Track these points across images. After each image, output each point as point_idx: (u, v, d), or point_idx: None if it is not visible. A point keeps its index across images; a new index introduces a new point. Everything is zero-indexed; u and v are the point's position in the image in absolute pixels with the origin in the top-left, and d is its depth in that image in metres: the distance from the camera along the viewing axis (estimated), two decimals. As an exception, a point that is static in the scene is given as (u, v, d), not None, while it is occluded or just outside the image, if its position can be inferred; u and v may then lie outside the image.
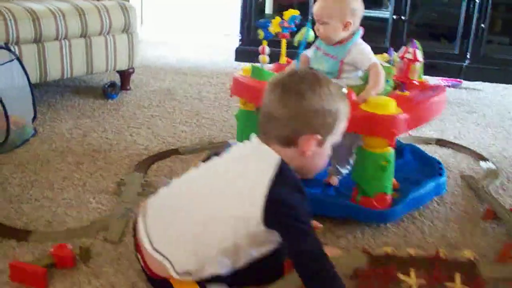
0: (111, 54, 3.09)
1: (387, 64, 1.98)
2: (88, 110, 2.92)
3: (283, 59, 2.22)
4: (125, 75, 3.30)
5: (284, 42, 2.21)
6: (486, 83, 3.94)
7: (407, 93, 1.88)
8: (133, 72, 3.30)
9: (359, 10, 1.86)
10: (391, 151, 1.75)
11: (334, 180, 1.97)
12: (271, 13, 4.60)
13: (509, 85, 3.90)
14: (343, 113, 1.39)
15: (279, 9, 4.20)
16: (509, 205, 2.02)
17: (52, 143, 2.44)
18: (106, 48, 3.06)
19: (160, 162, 2.27)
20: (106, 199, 1.93)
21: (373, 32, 3.83)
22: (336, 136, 1.40)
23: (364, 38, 1.90)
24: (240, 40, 4.38)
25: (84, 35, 2.93)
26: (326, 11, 1.84)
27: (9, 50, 2.48)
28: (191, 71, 3.90)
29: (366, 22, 1.93)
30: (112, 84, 3.14)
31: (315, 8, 1.86)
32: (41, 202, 1.92)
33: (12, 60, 2.46)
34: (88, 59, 2.99)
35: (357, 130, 1.71)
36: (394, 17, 4.09)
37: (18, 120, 2.41)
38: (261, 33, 2.16)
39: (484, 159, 2.46)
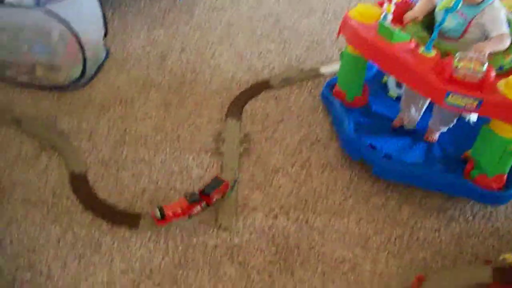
0: None
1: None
2: (158, 15, 2.66)
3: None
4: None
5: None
6: None
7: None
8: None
9: None
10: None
11: (434, 137, 1.87)
12: None
13: None
14: None
15: None
16: None
17: (130, 70, 2.28)
18: None
19: (252, 102, 2.10)
20: (207, 162, 1.81)
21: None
22: None
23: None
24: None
25: None
26: None
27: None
28: None
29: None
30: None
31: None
32: (139, 167, 1.85)
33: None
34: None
35: (492, 115, 1.58)
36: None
37: (90, 42, 2.21)
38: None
39: None
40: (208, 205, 1.67)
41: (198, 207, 1.65)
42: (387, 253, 1.56)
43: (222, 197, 1.68)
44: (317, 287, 1.48)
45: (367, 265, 1.53)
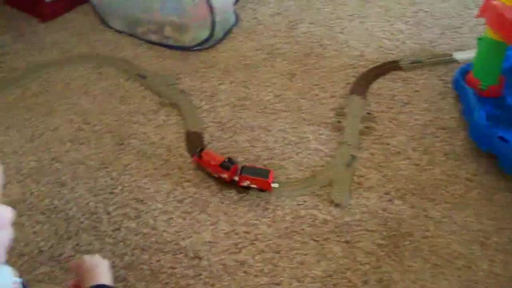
0: None
1: None
2: (290, -14, 2.55)
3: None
4: None
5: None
6: None
7: None
8: None
9: None
10: None
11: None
12: None
13: None
14: None
15: None
16: None
17: (257, 37, 2.26)
18: None
19: (379, 81, 1.99)
20: (325, 136, 1.76)
21: None
22: None
23: None
24: None
25: None
26: None
27: None
28: None
29: None
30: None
31: None
32: (256, 133, 1.82)
33: None
34: None
35: None
36: None
37: (221, 7, 2.22)
38: None
39: None
40: (232, 181, 1.64)
41: (224, 175, 1.63)
42: (507, 255, 1.43)
43: (262, 190, 1.62)
44: (426, 279, 1.39)
45: (484, 265, 1.42)
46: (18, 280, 0.85)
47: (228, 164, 1.62)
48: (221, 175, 1.65)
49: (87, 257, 1.12)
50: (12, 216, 0.79)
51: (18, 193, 1.63)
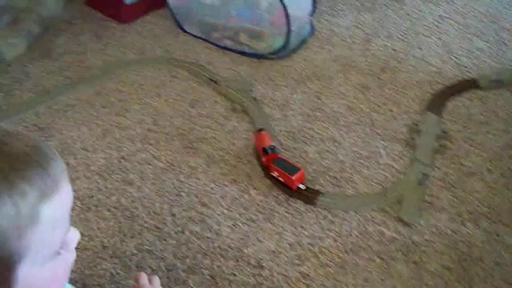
0: None
1: None
2: (367, 0, 2.59)
3: None
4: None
5: None
6: None
7: None
8: None
9: None
10: None
11: None
12: None
13: None
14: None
15: None
16: None
17: (332, 49, 2.23)
18: None
19: (456, 99, 1.93)
20: (397, 151, 1.70)
21: None
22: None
23: None
24: None
25: None
26: None
27: None
28: None
29: None
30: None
31: None
32: (326, 145, 1.79)
33: None
34: None
35: None
36: None
37: (297, 17, 2.20)
38: None
39: None
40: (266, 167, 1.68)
41: (263, 158, 1.69)
42: None
43: (291, 189, 1.63)
44: (497, 308, 1.30)
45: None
46: None
47: (269, 150, 1.66)
48: (261, 158, 1.68)
49: (157, 280, 1.11)
50: (79, 238, 0.78)
51: (85, 189, 1.65)
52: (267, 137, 1.72)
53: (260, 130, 1.75)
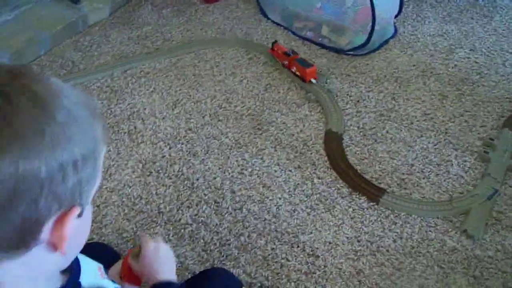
0: None
1: None
2: (454, 11, 2.52)
3: None
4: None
5: None
6: None
7: None
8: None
9: None
10: None
11: None
12: None
13: None
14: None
15: None
16: None
17: (413, 53, 2.18)
18: None
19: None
20: (469, 163, 1.64)
21: None
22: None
23: None
24: None
25: None
26: None
27: None
28: None
29: None
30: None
31: None
32: (397, 146, 1.75)
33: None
34: None
35: None
36: None
37: (382, 17, 2.18)
38: None
39: None
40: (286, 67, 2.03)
41: (285, 61, 2.02)
42: None
43: (301, 79, 1.98)
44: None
45: None
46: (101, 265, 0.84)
47: (289, 53, 2.00)
48: (283, 62, 2.00)
49: (164, 246, 1.00)
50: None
51: (150, 154, 1.66)
52: (283, 46, 2.07)
53: (274, 42, 2.09)
